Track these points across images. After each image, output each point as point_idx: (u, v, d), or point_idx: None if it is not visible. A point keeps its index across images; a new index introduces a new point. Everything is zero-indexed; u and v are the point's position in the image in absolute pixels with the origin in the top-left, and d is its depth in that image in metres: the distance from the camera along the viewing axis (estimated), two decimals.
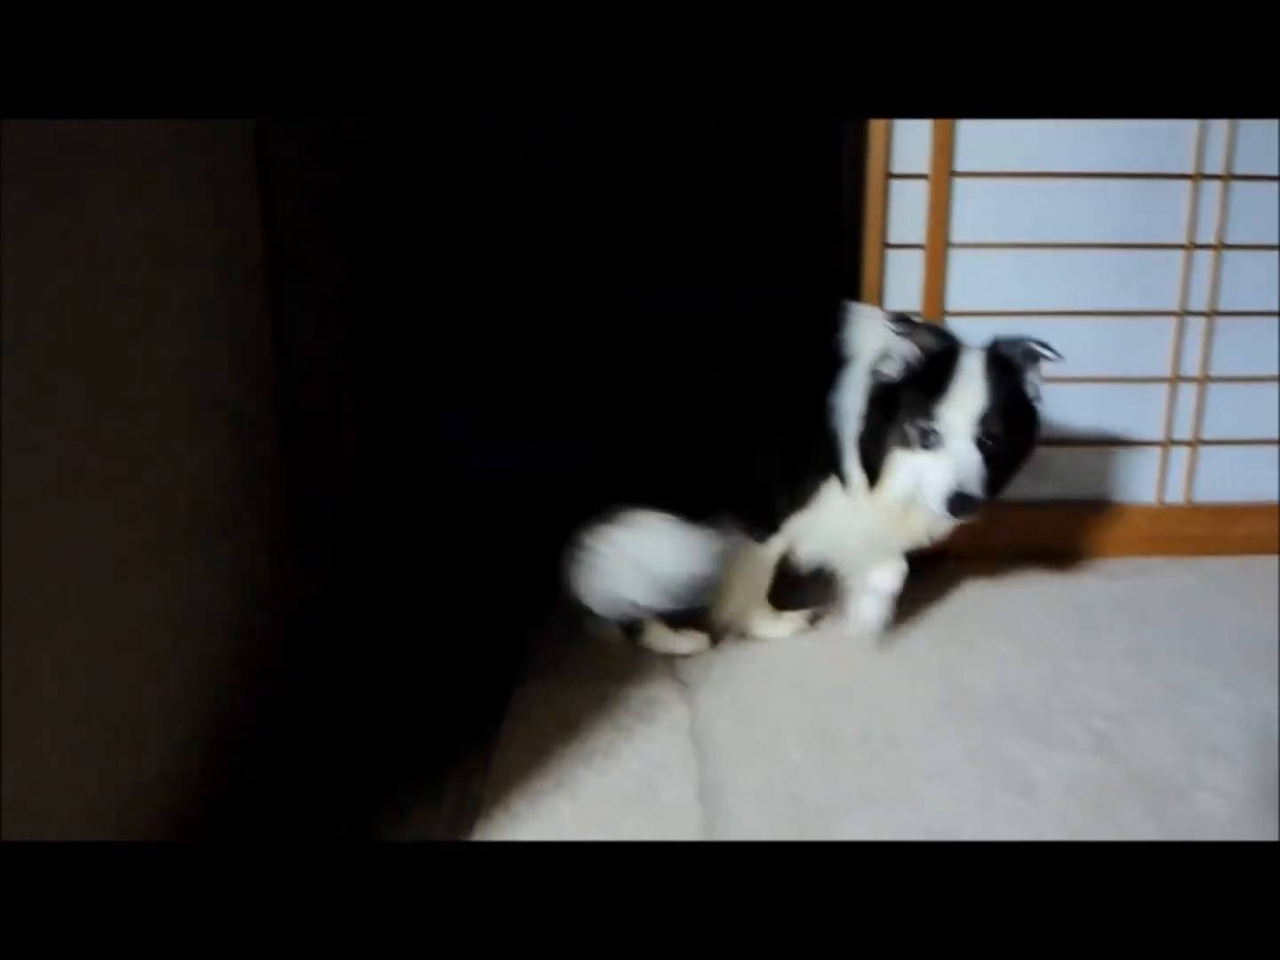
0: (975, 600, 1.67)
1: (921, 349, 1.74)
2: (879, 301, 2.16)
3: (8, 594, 1.02)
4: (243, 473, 1.61)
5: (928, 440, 1.74)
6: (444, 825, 1.47)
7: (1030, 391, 1.79)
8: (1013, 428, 1.75)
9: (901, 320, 1.77)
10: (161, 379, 1.36)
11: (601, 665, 1.91)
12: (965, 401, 1.72)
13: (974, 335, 1.79)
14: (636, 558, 1.79)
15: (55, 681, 1.12)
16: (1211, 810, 1.49)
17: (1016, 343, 1.76)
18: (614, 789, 1.56)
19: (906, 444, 1.75)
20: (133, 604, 1.28)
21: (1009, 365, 1.76)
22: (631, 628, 1.95)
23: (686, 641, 1.96)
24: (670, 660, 1.93)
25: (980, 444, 1.73)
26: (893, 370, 1.76)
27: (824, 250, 2.36)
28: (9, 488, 1.04)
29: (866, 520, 1.86)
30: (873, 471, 1.79)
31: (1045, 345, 1.75)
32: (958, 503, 1.70)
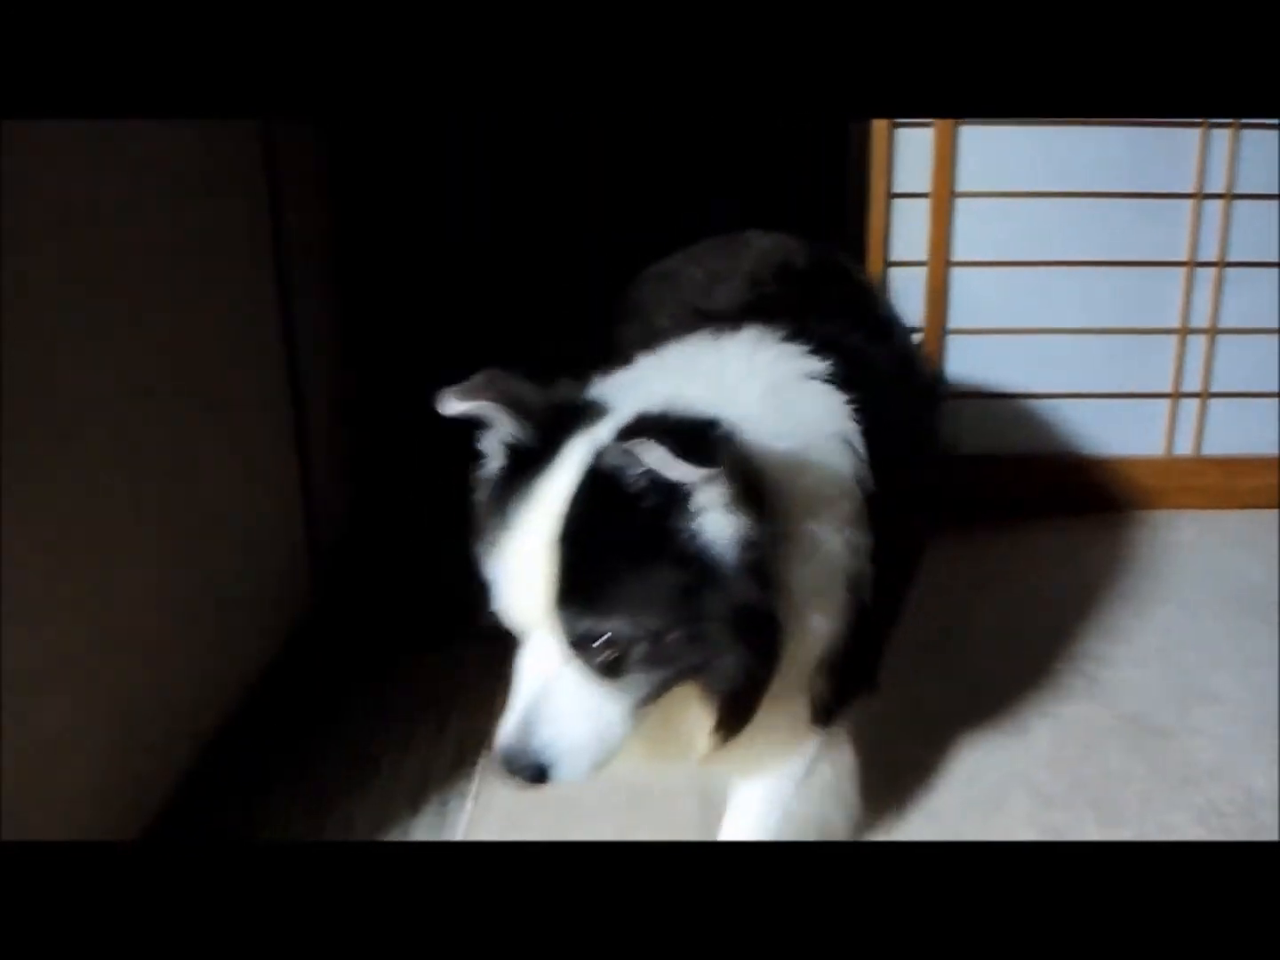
0: (979, 548, 1.67)
1: (514, 429, 1.02)
2: (884, 253, 2.16)
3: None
4: (255, 472, 1.66)
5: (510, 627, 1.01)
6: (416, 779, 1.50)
7: (691, 535, 0.95)
8: (670, 617, 0.95)
9: (487, 384, 1.02)
10: (178, 367, 1.40)
11: None
12: (532, 574, 0.95)
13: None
14: None
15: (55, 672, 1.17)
16: (1200, 752, 1.52)
17: (639, 437, 0.91)
18: None
19: None
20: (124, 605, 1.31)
21: (622, 493, 0.94)
22: None
23: None
24: None
25: (592, 658, 0.96)
26: (489, 463, 1.06)
27: (830, 200, 2.36)
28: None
29: None
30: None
31: (697, 440, 0.91)
32: (515, 762, 0.96)
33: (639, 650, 0.95)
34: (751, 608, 0.97)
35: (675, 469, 0.91)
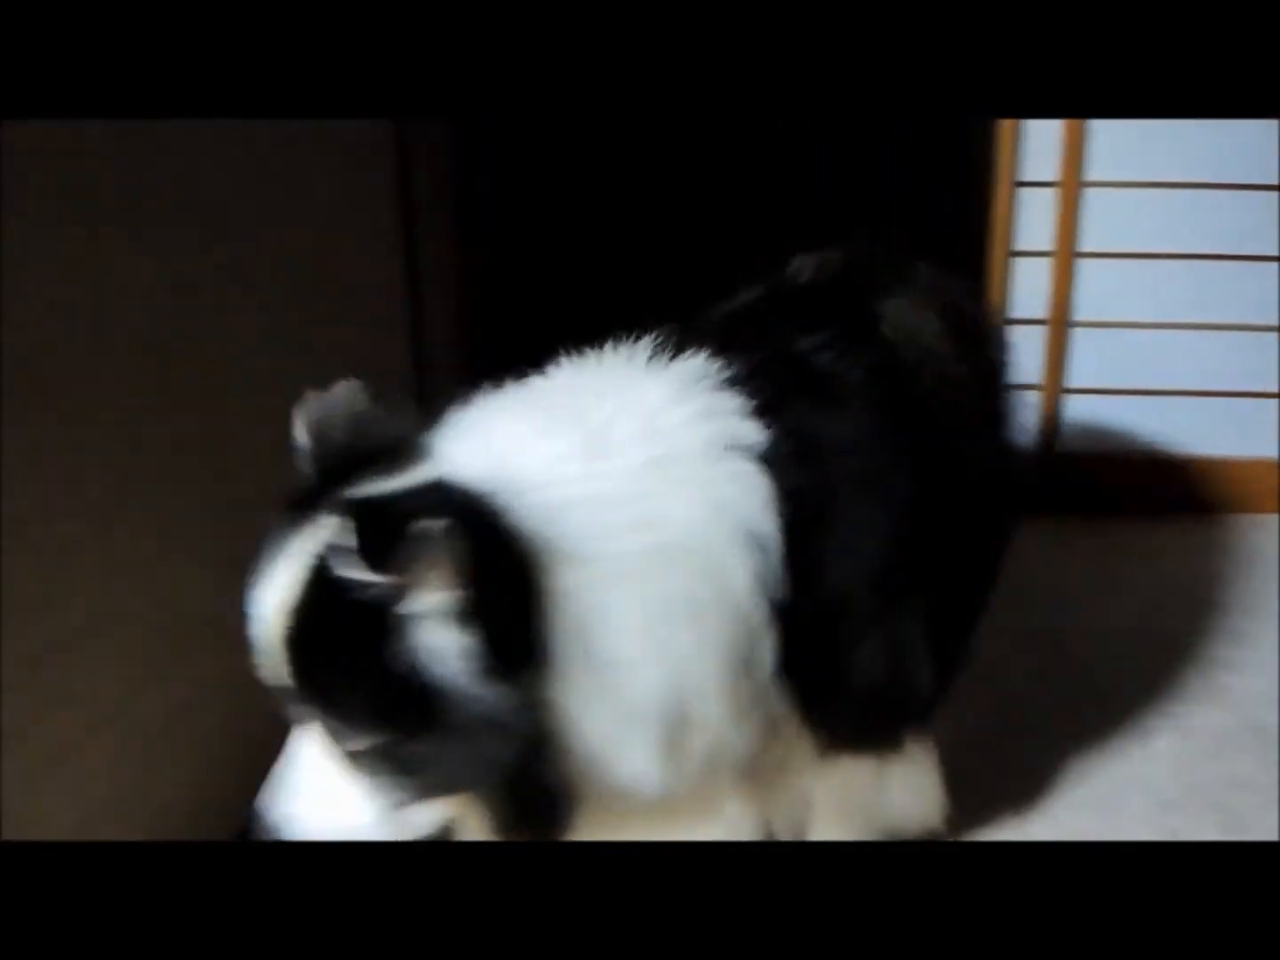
0: (1099, 548, 1.64)
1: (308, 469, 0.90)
2: (1007, 243, 2.12)
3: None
4: None
5: None
6: None
7: (405, 646, 0.79)
8: (391, 731, 0.81)
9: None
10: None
11: None
12: (269, 644, 0.84)
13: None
14: None
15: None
16: None
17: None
18: None
19: None
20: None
21: (331, 581, 0.79)
22: None
23: None
24: None
25: (337, 747, 0.85)
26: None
27: (955, 188, 2.33)
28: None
29: None
30: None
31: (389, 534, 0.75)
32: (260, 829, 0.89)
33: (374, 754, 0.82)
34: (496, 747, 0.80)
35: (350, 567, 0.77)
